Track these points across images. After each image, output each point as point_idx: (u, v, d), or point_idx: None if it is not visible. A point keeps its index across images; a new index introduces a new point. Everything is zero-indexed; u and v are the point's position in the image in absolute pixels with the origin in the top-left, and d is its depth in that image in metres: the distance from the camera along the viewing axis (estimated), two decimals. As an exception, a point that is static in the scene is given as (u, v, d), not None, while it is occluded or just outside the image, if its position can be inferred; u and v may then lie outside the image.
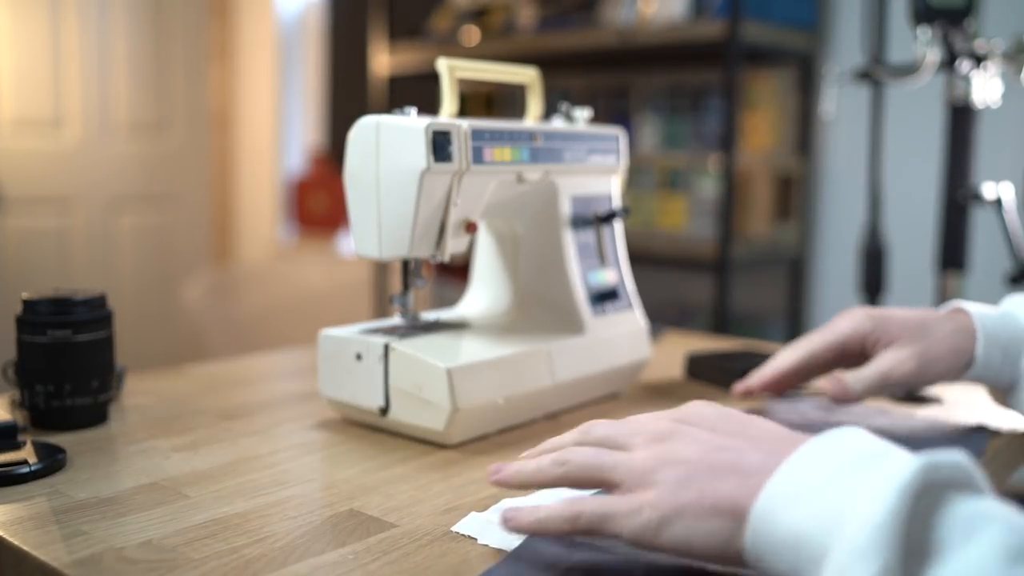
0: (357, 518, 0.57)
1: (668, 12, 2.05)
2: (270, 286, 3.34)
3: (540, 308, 0.88)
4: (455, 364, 0.72)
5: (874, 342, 0.76)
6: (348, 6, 3.41)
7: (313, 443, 0.73)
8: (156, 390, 0.88)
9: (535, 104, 0.89)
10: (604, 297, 0.88)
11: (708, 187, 2.12)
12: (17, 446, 0.65)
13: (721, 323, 1.93)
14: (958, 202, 1.25)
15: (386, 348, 0.74)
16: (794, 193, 2.17)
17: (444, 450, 0.72)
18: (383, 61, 2.64)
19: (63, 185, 3.19)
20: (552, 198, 0.86)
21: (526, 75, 0.87)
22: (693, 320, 2.29)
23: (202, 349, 3.30)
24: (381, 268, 2.68)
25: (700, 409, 0.51)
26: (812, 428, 0.76)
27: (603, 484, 0.48)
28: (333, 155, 3.39)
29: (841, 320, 0.78)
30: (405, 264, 0.79)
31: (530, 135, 0.80)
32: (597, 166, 0.88)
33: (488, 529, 0.55)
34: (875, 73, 1.32)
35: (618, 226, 0.92)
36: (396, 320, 0.82)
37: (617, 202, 0.92)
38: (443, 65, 0.78)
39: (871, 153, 1.40)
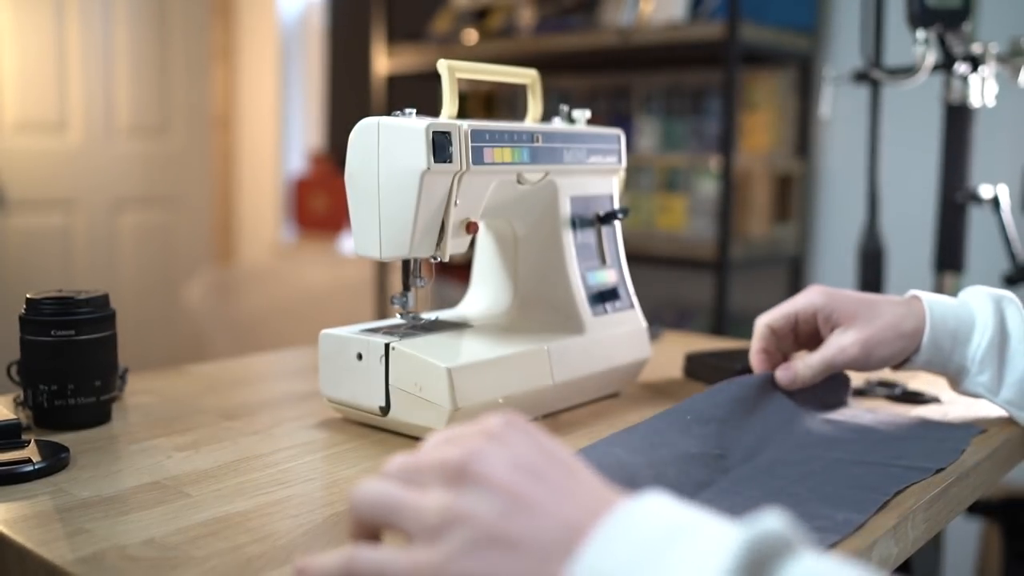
0: (358, 516, 0.58)
1: (667, 13, 2.05)
2: (271, 286, 3.35)
3: (540, 308, 0.88)
4: (455, 364, 0.72)
5: (827, 316, 0.80)
6: (349, 7, 3.42)
7: (314, 443, 0.74)
8: (158, 390, 0.89)
9: (535, 105, 0.89)
10: (604, 297, 0.88)
11: (707, 187, 2.12)
12: (21, 445, 0.66)
13: (720, 323, 1.93)
14: (955, 203, 1.25)
15: (387, 348, 0.74)
16: (793, 194, 2.17)
17: (444, 449, 0.72)
18: (383, 62, 2.64)
19: (66, 186, 3.20)
20: (552, 198, 0.86)
21: (526, 76, 0.88)
22: (692, 320, 2.29)
23: (204, 349, 3.31)
24: (382, 268, 2.69)
25: (508, 433, 0.43)
26: (813, 428, 0.77)
27: (392, 529, 0.42)
28: (334, 156, 3.39)
29: (799, 296, 0.83)
30: (405, 264, 0.79)
31: (530, 136, 0.80)
32: (597, 166, 0.89)
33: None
34: (873, 74, 1.32)
35: (618, 226, 0.93)
36: (397, 320, 0.83)
37: (617, 202, 0.92)
38: (443, 66, 0.78)
39: (869, 154, 1.40)
